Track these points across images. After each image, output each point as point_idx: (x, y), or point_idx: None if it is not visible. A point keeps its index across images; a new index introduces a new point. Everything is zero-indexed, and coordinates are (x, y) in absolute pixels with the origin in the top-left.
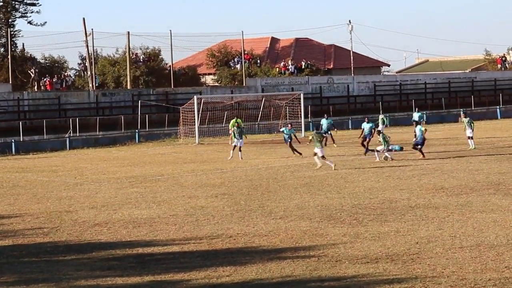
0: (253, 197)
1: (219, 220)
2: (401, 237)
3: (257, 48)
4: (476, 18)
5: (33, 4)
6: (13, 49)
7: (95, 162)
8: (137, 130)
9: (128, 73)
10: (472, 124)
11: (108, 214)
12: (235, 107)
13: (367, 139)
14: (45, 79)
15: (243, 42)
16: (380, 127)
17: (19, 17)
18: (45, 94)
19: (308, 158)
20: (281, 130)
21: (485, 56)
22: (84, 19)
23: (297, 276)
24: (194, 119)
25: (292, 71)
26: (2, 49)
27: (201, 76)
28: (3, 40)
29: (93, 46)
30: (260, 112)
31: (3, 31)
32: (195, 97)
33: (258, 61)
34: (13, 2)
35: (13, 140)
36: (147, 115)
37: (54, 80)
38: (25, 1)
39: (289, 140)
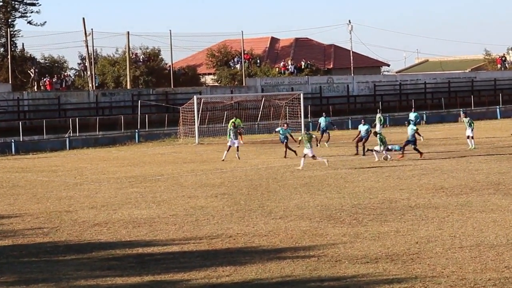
0: (253, 197)
1: (219, 220)
2: (401, 237)
3: (257, 48)
4: (476, 18)
5: (33, 4)
6: (13, 49)
7: (95, 162)
8: (137, 130)
9: (128, 73)
10: (472, 124)
11: (108, 214)
12: (235, 107)
13: (364, 140)
14: (45, 79)
15: (243, 42)
16: (377, 126)
17: (19, 17)
18: (45, 94)
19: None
20: (276, 130)
21: (485, 56)
22: (84, 19)
23: (297, 276)
24: (194, 119)
25: (292, 71)
26: (2, 49)
27: (201, 76)
28: (3, 40)
29: (93, 46)
30: (260, 112)
31: (3, 31)
32: (195, 97)
33: (258, 61)
34: (13, 2)
35: (13, 140)
36: (147, 115)
37: (54, 80)
38: (25, 1)
39: (285, 140)
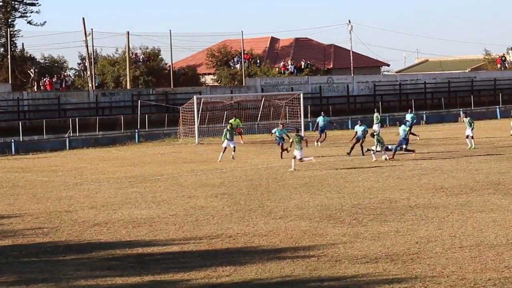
0: (253, 197)
1: (218, 220)
2: (400, 237)
3: (257, 48)
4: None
5: (33, 4)
6: (12, 49)
7: (94, 162)
8: (136, 130)
9: (127, 73)
10: (472, 124)
11: (108, 214)
12: (235, 107)
13: (361, 141)
14: (44, 79)
15: (242, 42)
16: (375, 125)
17: (18, 17)
18: (45, 94)
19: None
20: (273, 132)
21: (485, 56)
22: (83, 19)
23: (296, 276)
24: (194, 119)
25: (292, 71)
26: (2, 49)
27: (200, 76)
28: (3, 40)
29: (92, 46)
30: (260, 112)
31: (3, 31)
32: (194, 97)
33: (258, 61)
34: (13, 2)
35: (12, 140)
36: (146, 115)
37: (53, 80)
38: (24, 1)
39: (282, 141)
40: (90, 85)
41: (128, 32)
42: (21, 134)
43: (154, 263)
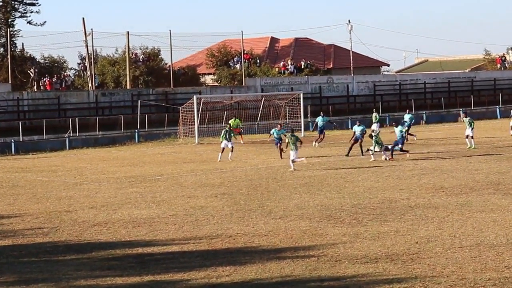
0: (253, 197)
1: (218, 220)
2: (400, 237)
3: (257, 48)
4: (476, 18)
5: (33, 4)
6: (12, 49)
7: (94, 162)
8: (136, 130)
9: (127, 73)
10: (472, 124)
11: (108, 214)
12: (235, 107)
13: (359, 141)
14: (44, 79)
15: (242, 42)
16: (373, 125)
17: (18, 17)
18: (45, 94)
19: (307, 158)
20: (271, 133)
21: (485, 56)
22: (83, 19)
23: (296, 276)
24: (194, 119)
25: (292, 71)
26: (2, 49)
27: (200, 76)
28: (3, 40)
29: (92, 46)
30: (260, 112)
31: (3, 31)
32: (194, 97)
33: (258, 61)
34: (13, 2)
35: (12, 140)
36: (146, 115)
37: (53, 80)
38: (24, 1)
39: (280, 142)
40: (90, 85)
41: (128, 32)
42: (21, 134)
43: (154, 263)
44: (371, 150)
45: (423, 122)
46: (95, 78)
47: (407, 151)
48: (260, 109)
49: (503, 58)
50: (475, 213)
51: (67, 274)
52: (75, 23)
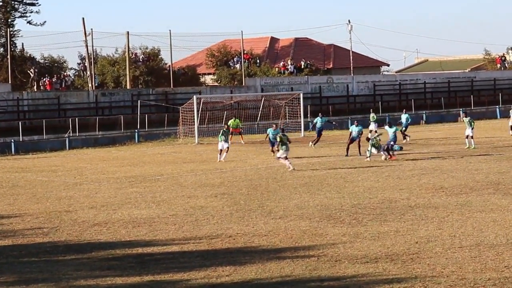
0: (253, 197)
1: (218, 220)
2: (400, 236)
3: (257, 48)
4: (476, 18)
5: (33, 4)
6: (12, 49)
7: (94, 162)
8: (136, 130)
9: (127, 73)
10: (472, 124)
11: (108, 214)
12: (235, 107)
13: (356, 140)
14: (44, 79)
15: (242, 42)
16: (371, 125)
17: (18, 17)
18: (45, 94)
19: (307, 158)
20: (267, 132)
21: (485, 56)
22: (83, 19)
23: (296, 275)
24: (194, 119)
25: (292, 70)
26: (2, 49)
27: (200, 76)
28: (3, 40)
29: (92, 46)
30: (260, 112)
31: (3, 31)
32: (194, 97)
33: (258, 61)
34: (13, 2)
35: (12, 140)
36: (146, 115)
37: (53, 80)
38: (24, 1)
39: (275, 141)
40: (90, 85)
41: (128, 32)
42: (21, 134)
43: (154, 263)
44: (368, 150)
45: (423, 122)
46: (95, 78)
47: (392, 154)
48: (260, 109)
49: (503, 58)
50: (475, 213)
51: (67, 274)
52: (75, 23)
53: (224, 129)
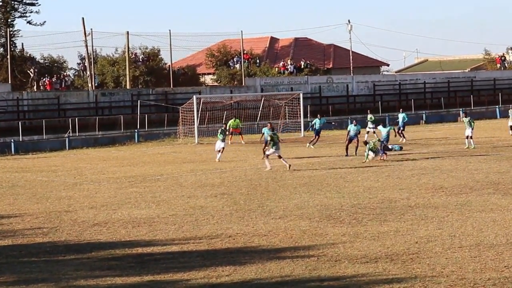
0: (253, 197)
1: (218, 220)
2: (400, 236)
3: (256, 47)
4: (476, 18)
5: (32, 4)
6: (12, 49)
7: (94, 162)
8: (136, 130)
9: (127, 73)
10: (472, 124)
11: (108, 214)
12: (235, 107)
13: (354, 140)
14: (44, 79)
15: (242, 42)
16: (368, 125)
17: (18, 17)
18: (45, 94)
19: (307, 158)
20: (262, 132)
21: (484, 56)
22: (83, 18)
23: (296, 275)
24: (194, 119)
25: (292, 70)
26: (2, 49)
27: (200, 76)
28: (3, 40)
29: (92, 46)
30: (260, 112)
31: (3, 31)
32: (194, 97)
33: (258, 60)
34: (12, 2)
35: (12, 140)
36: (146, 115)
37: (53, 80)
38: (24, 1)
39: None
40: (89, 85)
41: (127, 32)
42: (20, 134)
43: (154, 263)
44: (365, 154)
45: (423, 122)
46: (95, 78)
47: (385, 154)
48: (260, 109)
49: (502, 58)
50: (475, 213)
51: (67, 274)
52: (75, 23)
53: (223, 128)
